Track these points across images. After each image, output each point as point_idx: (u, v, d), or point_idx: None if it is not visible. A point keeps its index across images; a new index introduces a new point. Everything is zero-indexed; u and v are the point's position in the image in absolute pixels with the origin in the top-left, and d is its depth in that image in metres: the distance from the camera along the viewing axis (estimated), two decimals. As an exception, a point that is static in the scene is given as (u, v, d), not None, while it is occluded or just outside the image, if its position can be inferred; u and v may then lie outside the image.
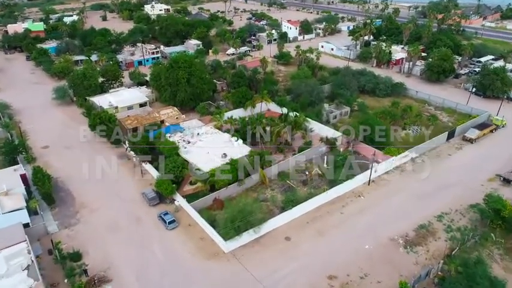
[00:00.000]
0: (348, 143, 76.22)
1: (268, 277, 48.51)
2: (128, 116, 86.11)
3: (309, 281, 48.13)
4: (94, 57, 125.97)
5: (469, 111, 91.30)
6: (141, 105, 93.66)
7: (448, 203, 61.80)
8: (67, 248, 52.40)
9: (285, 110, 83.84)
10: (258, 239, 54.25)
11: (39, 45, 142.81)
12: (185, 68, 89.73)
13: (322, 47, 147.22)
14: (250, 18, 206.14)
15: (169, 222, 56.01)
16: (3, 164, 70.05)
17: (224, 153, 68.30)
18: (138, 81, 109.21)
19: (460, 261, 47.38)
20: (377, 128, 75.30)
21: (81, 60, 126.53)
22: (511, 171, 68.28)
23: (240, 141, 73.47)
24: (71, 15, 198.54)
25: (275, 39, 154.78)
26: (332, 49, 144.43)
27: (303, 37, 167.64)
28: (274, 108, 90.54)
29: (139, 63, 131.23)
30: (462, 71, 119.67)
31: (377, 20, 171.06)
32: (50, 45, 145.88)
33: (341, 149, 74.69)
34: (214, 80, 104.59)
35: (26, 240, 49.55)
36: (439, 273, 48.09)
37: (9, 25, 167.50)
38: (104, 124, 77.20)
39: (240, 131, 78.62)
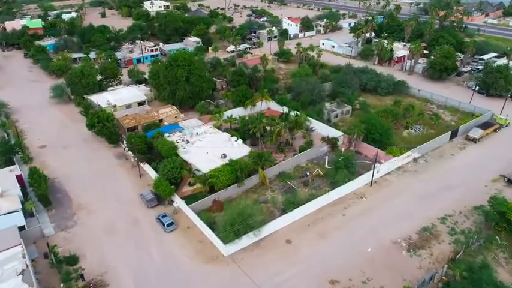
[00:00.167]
0: (349, 143, 75.00)
1: (269, 281, 47.46)
2: (126, 115, 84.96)
3: (310, 285, 47.10)
4: (92, 55, 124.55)
5: (472, 110, 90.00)
6: (140, 103, 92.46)
7: (452, 204, 60.67)
8: (63, 252, 51.38)
9: (285, 109, 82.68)
10: (258, 242, 53.17)
11: (37, 43, 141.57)
12: (184, 66, 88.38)
13: (323, 44, 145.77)
14: (251, 15, 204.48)
15: (168, 225, 54.92)
16: (-1, 164, 69.06)
17: (224, 154, 67.16)
18: (137, 79, 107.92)
19: (465, 265, 46.31)
20: (379, 128, 74.10)
21: (79, 57, 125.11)
22: (515, 171, 67.26)
23: (240, 141, 72.35)
24: (70, 12, 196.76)
25: (275, 37, 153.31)
26: (333, 46, 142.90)
27: (304, 34, 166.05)
28: (275, 107, 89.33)
29: (138, 60, 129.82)
30: (465, 69, 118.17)
31: (378, 17, 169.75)
32: (48, 42, 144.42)
33: (342, 149, 73.45)
34: (214, 78, 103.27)
35: (21, 244, 48.51)
36: (444, 278, 47.03)
37: (7, 22, 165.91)
38: (102, 123, 75.90)
39: (240, 130, 77.56)
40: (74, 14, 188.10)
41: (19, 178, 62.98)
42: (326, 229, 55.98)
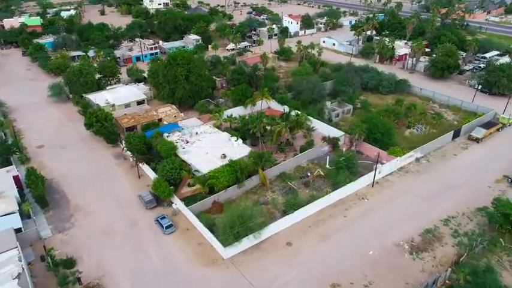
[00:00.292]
0: (350, 143, 74.10)
1: (269, 285, 46.68)
2: (125, 114, 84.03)
3: (311, 289, 46.35)
4: (91, 53, 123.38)
5: (475, 109, 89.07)
6: (139, 102, 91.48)
7: (455, 205, 59.84)
8: (60, 254, 50.55)
9: (286, 108, 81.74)
10: (259, 244, 52.34)
11: (35, 41, 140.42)
12: (184, 64, 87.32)
13: (324, 42, 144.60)
14: (251, 13, 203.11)
15: (167, 227, 54.09)
16: (-4, 164, 68.15)
17: (223, 154, 66.28)
18: (136, 77, 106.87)
19: (469, 269, 45.46)
20: (381, 127, 73.18)
21: (78, 55, 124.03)
22: (519, 172, 66.44)
23: (240, 140, 71.48)
24: (69, 10, 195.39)
25: (276, 34, 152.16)
26: (334, 44, 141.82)
27: (304, 32, 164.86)
28: (275, 106, 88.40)
29: (138, 59, 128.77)
30: (467, 67, 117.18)
31: (379, 15, 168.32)
32: (47, 40, 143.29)
33: (344, 149, 72.53)
34: (214, 77, 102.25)
35: (17, 247, 47.65)
36: (447, 281, 46.27)
37: (5, 20, 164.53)
38: (100, 123, 74.98)
39: (240, 130, 76.67)
40: (72, 12, 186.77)
41: (16, 179, 62.07)
42: (327, 231, 55.15)
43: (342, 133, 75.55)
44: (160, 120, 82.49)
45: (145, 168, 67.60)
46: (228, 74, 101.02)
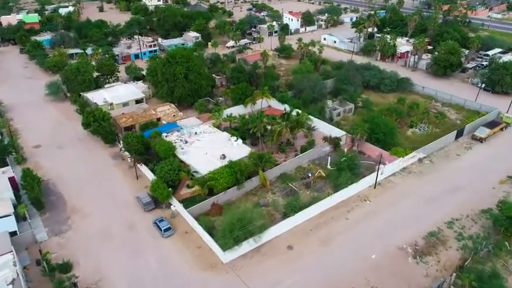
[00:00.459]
0: (352, 143, 72.92)
1: (269, 290, 45.72)
2: (123, 113, 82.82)
3: (313, 294, 45.35)
4: (89, 51, 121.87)
5: (478, 108, 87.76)
6: (137, 101, 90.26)
7: (458, 207, 58.72)
8: (56, 258, 49.49)
9: (286, 107, 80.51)
10: (259, 248, 51.30)
11: (33, 38, 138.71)
12: (183, 63, 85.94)
13: (325, 39, 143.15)
14: (251, 9, 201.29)
15: (165, 230, 53.00)
16: (-8, 165, 66.99)
17: (223, 155, 65.13)
18: (135, 75, 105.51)
19: (474, 274, 44.35)
20: (383, 127, 72.00)
21: (76, 53, 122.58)
22: (523, 173, 65.30)
23: (240, 140, 70.32)
24: (67, 6, 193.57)
25: (276, 31, 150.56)
26: (335, 42, 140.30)
27: (305, 29, 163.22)
28: (275, 104, 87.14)
29: (136, 56, 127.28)
30: (469, 65, 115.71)
31: (380, 11, 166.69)
32: (45, 37, 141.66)
33: (345, 149, 71.32)
34: (213, 75, 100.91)
35: (12, 251, 46.65)
36: (452, 287, 45.19)
37: (2, 17, 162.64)
38: (98, 123, 73.76)
39: (240, 129, 75.49)
40: (71, 9, 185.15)
41: (12, 180, 61.03)
42: (329, 234, 54.06)
43: (344, 133, 74.38)
44: (159, 119, 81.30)
45: (144, 169, 66.48)
46: (228, 72, 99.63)
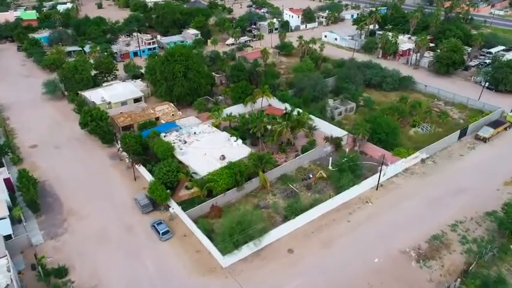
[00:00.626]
0: (354, 143, 71.73)
1: (270, 296, 44.70)
2: (121, 112, 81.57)
3: (314, 300, 44.33)
4: (87, 48, 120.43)
5: (481, 107, 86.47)
6: (136, 100, 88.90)
7: (462, 209, 57.59)
8: (52, 262, 48.44)
9: (286, 106, 79.34)
10: (259, 251, 50.20)
11: (30, 35, 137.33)
12: (182, 61, 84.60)
13: (326, 36, 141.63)
14: (251, 6, 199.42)
15: (163, 233, 51.89)
16: (-13, 166, 65.83)
17: (222, 155, 63.95)
18: (133, 74, 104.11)
19: (479, 280, 43.30)
20: (385, 127, 70.78)
21: (74, 51, 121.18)
22: (528, 174, 64.09)
23: (240, 141, 69.11)
24: (65, 3, 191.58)
25: (276, 29, 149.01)
26: (336, 39, 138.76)
27: (306, 26, 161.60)
28: (276, 103, 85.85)
29: (135, 54, 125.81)
30: (472, 63, 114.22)
31: (382, 8, 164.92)
32: (42, 34, 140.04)
33: (347, 149, 70.14)
34: (213, 73, 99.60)
35: (6, 256, 45.53)
36: (456, 292, 44.20)
37: (0, 13, 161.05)
38: (95, 122, 72.52)
39: (240, 129, 74.30)
40: (69, 5, 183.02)
41: (7, 182, 59.93)
42: (330, 237, 53.00)
43: (345, 132, 73.19)
44: (157, 118, 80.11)
45: (142, 170, 65.35)
46: (228, 70, 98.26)
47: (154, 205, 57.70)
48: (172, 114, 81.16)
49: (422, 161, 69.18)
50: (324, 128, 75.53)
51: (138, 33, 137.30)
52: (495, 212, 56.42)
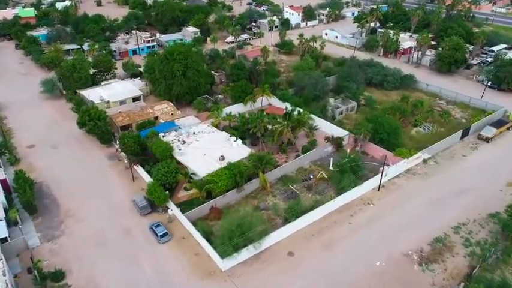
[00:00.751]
0: (355, 143, 70.84)
1: (270, 300, 43.93)
2: (120, 112, 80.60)
3: (315, 305, 43.57)
4: (86, 46, 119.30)
5: (484, 106, 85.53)
6: (135, 99, 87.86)
7: (465, 211, 56.79)
8: (48, 266, 47.65)
9: (287, 105, 78.44)
10: (259, 254, 49.43)
11: (29, 33, 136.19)
12: (181, 60, 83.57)
13: (326, 34, 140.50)
14: (251, 4, 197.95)
15: (162, 236, 51.09)
16: (-16, 167, 65.00)
17: (222, 156, 63.07)
18: (132, 72, 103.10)
19: (483, 284, 42.48)
20: (387, 127, 69.87)
21: (72, 49, 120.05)
22: (532, 175, 63.23)
23: (239, 141, 68.21)
24: (64, 1, 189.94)
25: (276, 26, 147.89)
26: (336, 37, 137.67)
27: (306, 24, 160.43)
28: (276, 102, 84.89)
29: (134, 52, 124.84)
30: (474, 61, 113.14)
31: (383, 6, 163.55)
32: (41, 32, 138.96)
33: (348, 150, 69.23)
34: (213, 72, 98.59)
35: (1, 259, 44.68)
36: (460, 297, 43.43)
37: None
38: (93, 122, 71.62)
39: (239, 129, 73.40)
40: (68, 3, 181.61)
41: (3, 183, 59.16)
42: (331, 239, 52.20)
43: (346, 132, 72.31)
44: (156, 118, 79.22)
45: (140, 170, 64.49)
46: (227, 69, 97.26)
47: (153, 207, 56.87)
48: (172, 114, 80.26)
49: (424, 161, 68.32)
50: (325, 127, 74.66)
51: (137, 31, 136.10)
52: (498, 213, 55.66)
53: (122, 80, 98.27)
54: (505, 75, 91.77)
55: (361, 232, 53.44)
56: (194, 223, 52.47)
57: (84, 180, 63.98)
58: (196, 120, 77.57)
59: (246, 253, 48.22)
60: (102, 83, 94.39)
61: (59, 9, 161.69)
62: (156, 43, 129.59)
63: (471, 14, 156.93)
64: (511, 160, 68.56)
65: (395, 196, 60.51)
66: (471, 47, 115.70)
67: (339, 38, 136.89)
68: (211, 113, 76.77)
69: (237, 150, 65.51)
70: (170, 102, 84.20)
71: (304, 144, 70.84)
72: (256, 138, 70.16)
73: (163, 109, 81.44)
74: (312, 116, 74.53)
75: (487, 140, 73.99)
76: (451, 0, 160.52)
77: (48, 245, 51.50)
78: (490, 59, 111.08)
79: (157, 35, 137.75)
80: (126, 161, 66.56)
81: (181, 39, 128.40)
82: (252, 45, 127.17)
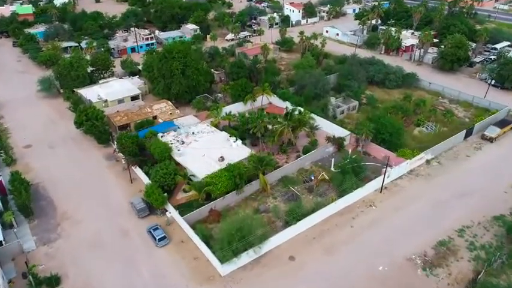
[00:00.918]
0: (357, 143, 69.70)
1: (270, 306, 42.94)
2: (118, 111, 79.40)
3: (317, 311, 42.59)
4: (84, 44, 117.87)
5: (487, 105, 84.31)
6: (133, 98, 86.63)
7: (469, 213, 55.72)
8: (44, 270, 46.62)
9: (287, 104, 77.14)
10: (259, 259, 48.38)
11: (26, 30, 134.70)
12: (180, 58, 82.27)
13: (327, 31, 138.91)
14: (251, 0, 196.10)
15: (160, 240, 50.03)
16: (-21, 167, 64.01)
17: (221, 157, 61.90)
18: (131, 70, 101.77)
19: (489, 290, 41.59)
20: (389, 127, 68.69)
21: (70, 46, 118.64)
22: (537, 176, 62.11)
23: (239, 141, 67.04)
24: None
25: (277, 23, 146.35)
26: (337, 34, 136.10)
27: (307, 21, 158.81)
28: (276, 101, 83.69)
29: (133, 50, 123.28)
30: (476, 59, 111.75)
31: (384, 2, 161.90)
32: (38, 29, 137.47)
33: (349, 150, 68.08)
34: (212, 70, 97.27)
35: (-5, 264, 43.80)
36: (465, 303, 42.42)
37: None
38: (91, 122, 70.46)
39: (239, 129, 72.23)
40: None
41: (-1, 184, 58.10)
42: (333, 243, 51.16)
43: (348, 132, 71.15)
44: (155, 117, 78.04)
45: (138, 171, 63.40)
46: (227, 67, 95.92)
47: (151, 209, 55.79)
48: (170, 113, 79.06)
49: (428, 162, 67.19)
50: (326, 127, 73.49)
51: (136, 29, 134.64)
52: (503, 216, 54.74)
53: (120, 78, 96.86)
54: (508, 73, 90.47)
55: (363, 235, 52.39)
56: (193, 226, 51.46)
57: (81, 181, 62.90)
58: (195, 120, 76.41)
59: (246, 257, 47.19)
60: (100, 82, 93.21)
61: (57, 6, 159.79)
62: (155, 40, 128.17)
63: (473, 11, 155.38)
64: (515, 161, 67.51)
65: (398, 198, 59.42)
66: (474, 45, 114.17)
67: (340, 36, 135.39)
68: (211, 112, 75.58)
69: (237, 151, 64.36)
70: (169, 101, 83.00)
71: (305, 144, 69.68)
72: (256, 138, 69.04)
73: (162, 108, 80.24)
74: (313, 115, 73.34)
75: (491, 140, 72.84)
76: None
77: (44, 248, 50.47)
78: (493, 57, 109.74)
79: (156, 32, 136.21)
80: (124, 162, 65.41)
81: (181, 37, 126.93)
82: (252, 42, 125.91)
